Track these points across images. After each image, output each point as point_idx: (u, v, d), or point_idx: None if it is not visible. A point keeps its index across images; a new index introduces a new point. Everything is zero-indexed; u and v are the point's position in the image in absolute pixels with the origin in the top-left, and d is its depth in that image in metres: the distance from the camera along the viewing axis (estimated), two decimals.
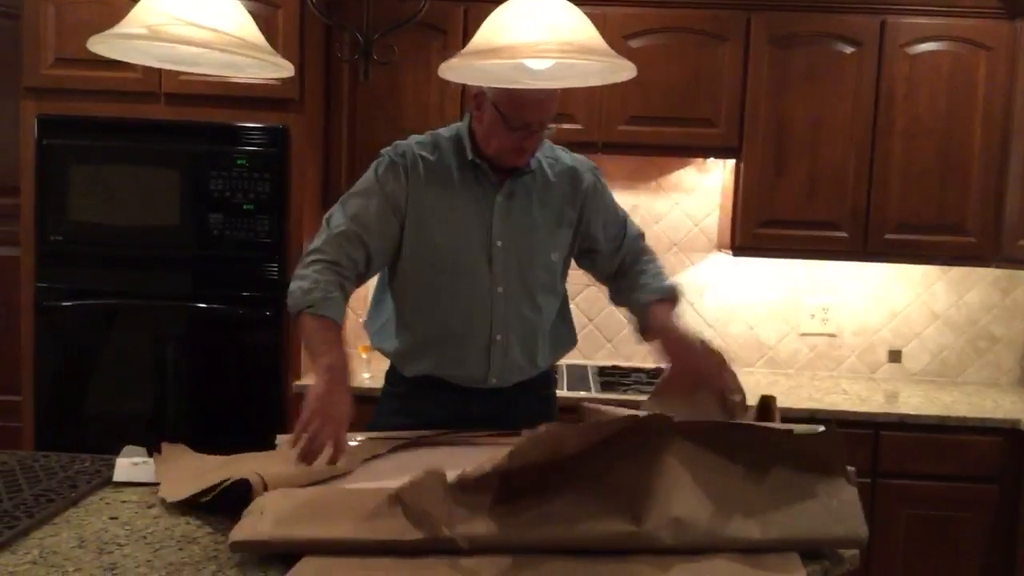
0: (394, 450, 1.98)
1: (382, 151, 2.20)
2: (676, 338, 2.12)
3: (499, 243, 2.16)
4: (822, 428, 1.61)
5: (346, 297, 2.06)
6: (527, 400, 2.26)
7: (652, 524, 1.45)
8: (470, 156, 2.15)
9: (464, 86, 3.30)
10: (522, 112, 2.04)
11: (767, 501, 1.54)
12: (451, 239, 2.14)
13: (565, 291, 2.35)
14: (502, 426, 2.11)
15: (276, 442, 1.87)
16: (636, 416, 1.56)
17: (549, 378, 2.40)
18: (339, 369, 1.89)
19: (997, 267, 3.54)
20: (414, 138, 2.22)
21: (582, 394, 3.16)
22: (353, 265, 2.08)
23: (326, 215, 2.15)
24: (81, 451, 2.01)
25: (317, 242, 2.09)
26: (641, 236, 2.38)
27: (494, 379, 2.20)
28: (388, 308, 2.28)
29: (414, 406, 2.22)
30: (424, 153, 2.17)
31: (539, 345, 2.25)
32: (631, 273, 2.31)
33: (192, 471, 1.80)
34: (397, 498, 1.48)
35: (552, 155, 2.27)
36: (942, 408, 3.31)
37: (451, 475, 1.50)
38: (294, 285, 2.02)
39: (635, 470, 1.50)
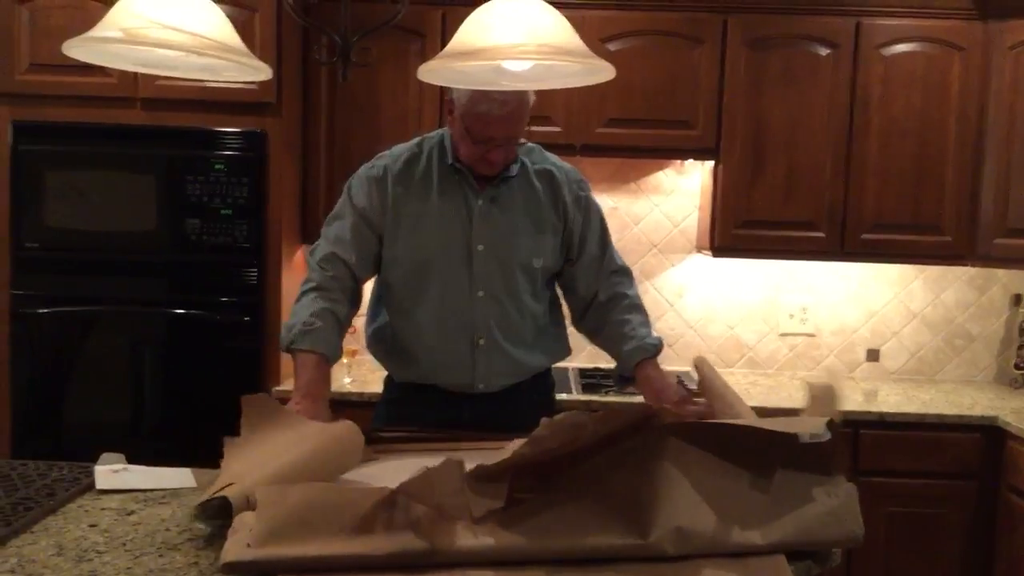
0: (386, 454, 1.96)
1: (361, 168, 2.26)
2: (659, 389, 2.15)
3: (479, 247, 2.17)
4: (826, 431, 1.60)
5: (337, 315, 2.13)
6: (521, 406, 2.23)
7: (656, 536, 1.45)
8: (450, 160, 2.18)
9: (442, 92, 3.29)
10: (485, 129, 2.07)
11: (767, 504, 1.53)
12: (431, 242, 2.17)
13: (558, 298, 2.36)
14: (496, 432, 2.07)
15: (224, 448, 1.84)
16: (650, 407, 1.54)
17: (545, 384, 2.38)
18: (312, 390, 2.00)
19: (973, 266, 3.57)
20: (396, 148, 2.27)
21: (563, 396, 3.16)
22: (339, 284, 2.17)
23: (311, 248, 2.26)
24: (59, 458, 1.98)
25: (307, 274, 2.20)
26: (624, 271, 2.34)
27: (481, 384, 2.21)
28: (381, 315, 2.31)
29: (407, 412, 2.23)
30: (403, 162, 2.21)
31: (526, 349, 2.25)
32: (613, 319, 2.27)
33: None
34: (397, 496, 1.42)
35: (540, 161, 2.28)
36: (920, 406, 3.33)
37: (468, 465, 1.48)
38: (284, 324, 2.14)
39: (634, 475, 1.49)
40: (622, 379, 2.29)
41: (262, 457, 1.73)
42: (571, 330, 2.41)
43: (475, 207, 2.18)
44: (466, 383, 2.21)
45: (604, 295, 2.29)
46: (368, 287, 2.34)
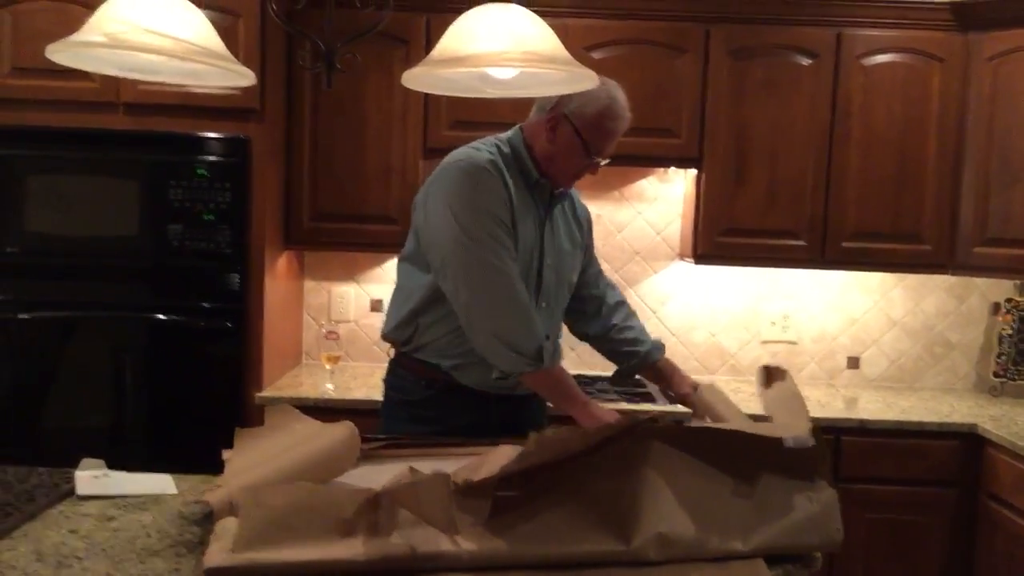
0: (370, 458, 1.95)
1: (465, 162, 2.15)
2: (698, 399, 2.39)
3: (548, 260, 2.23)
4: (810, 437, 1.61)
5: None
6: (535, 408, 2.36)
7: (639, 542, 1.46)
8: (535, 175, 2.20)
9: (426, 99, 3.30)
10: (605, 142, 2.15)
11: (750, 510, 1.54)
12: (520, 251, 2.16)
13: None
14: (517, 432, 2.02)
15: (224, 458, 1.83)
16: (638, 419, 1.54)
17: None
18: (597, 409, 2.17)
19: (952, 274, 3.59)
20: (480, 147, 2.20)
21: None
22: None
23: (475, 252, 2.10)
24: (39, 464, 1.98)
25: (507, 290, 2.11)
26: (601, 273, 2.55)
27: (523, 389, 2.24)
28: (447, 316, 2.20)
29: (433, 415, 2.22)
30: (502, 165, 2.17)
31: None
32: (613, 325, 2.48)
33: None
34: (381, 498, 1.43)
35: None
36: (900, 413, 3.35)
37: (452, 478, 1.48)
38: (531, 346, 2.10)
39: (616, 481, 1.50)
40: (623, 376, 2.53)
41: (260, 456, 1.73)
42: None
43: (545, 223, 2.23)
44: (511, 386, 2.22)
45: (612, 300, 2.50)
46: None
